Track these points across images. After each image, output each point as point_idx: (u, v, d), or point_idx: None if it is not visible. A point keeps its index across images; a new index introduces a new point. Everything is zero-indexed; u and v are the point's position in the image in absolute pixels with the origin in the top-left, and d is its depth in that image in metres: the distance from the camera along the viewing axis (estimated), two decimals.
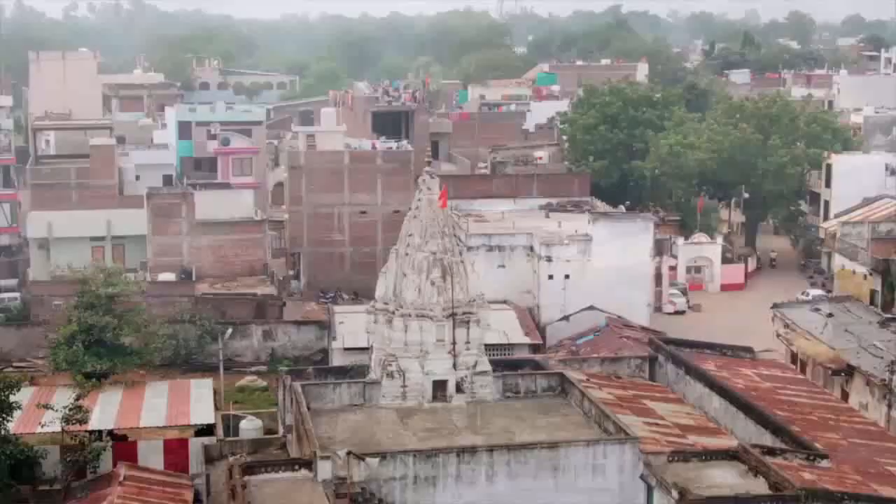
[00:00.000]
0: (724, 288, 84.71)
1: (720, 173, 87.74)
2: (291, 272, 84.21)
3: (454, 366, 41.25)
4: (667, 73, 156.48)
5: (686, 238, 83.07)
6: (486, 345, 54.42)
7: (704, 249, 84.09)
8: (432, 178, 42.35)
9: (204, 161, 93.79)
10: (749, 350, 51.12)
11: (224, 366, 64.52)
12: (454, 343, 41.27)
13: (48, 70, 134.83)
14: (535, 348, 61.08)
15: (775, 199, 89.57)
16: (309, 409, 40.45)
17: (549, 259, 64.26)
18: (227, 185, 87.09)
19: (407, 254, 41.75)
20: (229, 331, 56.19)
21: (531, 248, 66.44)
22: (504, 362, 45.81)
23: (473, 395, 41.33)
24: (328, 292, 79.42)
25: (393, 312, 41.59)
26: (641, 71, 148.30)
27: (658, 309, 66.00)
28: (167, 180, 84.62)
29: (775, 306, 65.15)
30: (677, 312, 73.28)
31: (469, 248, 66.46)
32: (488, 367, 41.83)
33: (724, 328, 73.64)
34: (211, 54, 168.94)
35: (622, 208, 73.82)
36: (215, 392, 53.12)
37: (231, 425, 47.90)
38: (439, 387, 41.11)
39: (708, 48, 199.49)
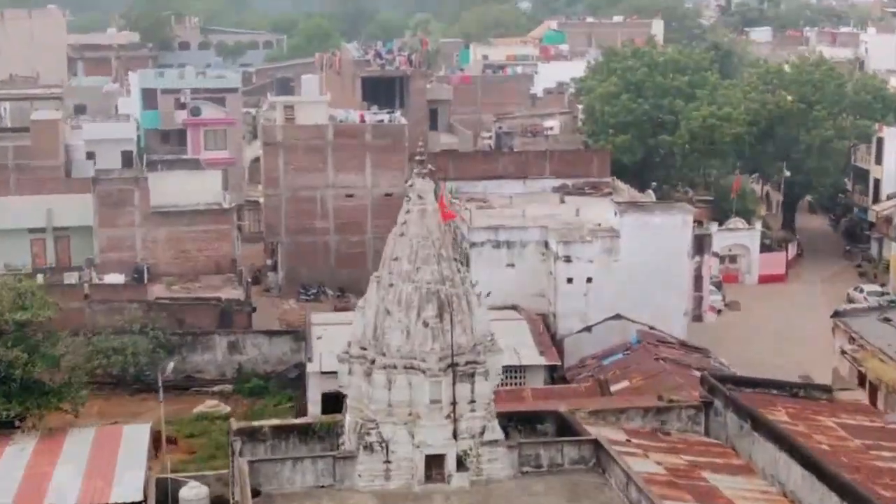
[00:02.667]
0: (763, 280, 74.34)
1: (758, 149, 76.98)
2: (269, 262, 73.81)
3: (454, 434, 30.85)
4: (682, 32, 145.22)
5: (720, 223, 72.39)
6: None
7: (741, 236, 73.61)
8: (424, 179, 31.70)
9: (172, 134, 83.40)
10: (826, 389, 40.66)
11: (181, 385, 54.56)
12: (454, 403, 30.84)
13: (14, 29, 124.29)
14: (551, 370, 50.82)
15: (819, 177, 78.88)
16: (259, 493, 30.21)
17: (567, 259, 53.70)
18: (196, 162, 76.42)
19: (392, 284, 31.21)
20: (171, 364, 45.54)
21: (546, 245, 55.89)
22: (516, 416, 35.35)
23: (480, 473, 30.97)
24: (310, 288, 69.23)
25: (373, 362, 31.13)
26: (657, 28, 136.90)
27: (697, 317, 55.53)
28: (127, 158, 73.92)
29: (836, 315, 54.71)
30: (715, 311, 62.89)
31: (472, 245, 56.08)
32: (499, 435, 31.43)
33: (770, 335, 63.58)
34: (195, 12, 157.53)
35: (651, 193, 63.14)
36: (158, 434, 42.92)
37: (170, 490, 37.61)
38: (434, 463, 30.74)
39: (724, 3, 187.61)
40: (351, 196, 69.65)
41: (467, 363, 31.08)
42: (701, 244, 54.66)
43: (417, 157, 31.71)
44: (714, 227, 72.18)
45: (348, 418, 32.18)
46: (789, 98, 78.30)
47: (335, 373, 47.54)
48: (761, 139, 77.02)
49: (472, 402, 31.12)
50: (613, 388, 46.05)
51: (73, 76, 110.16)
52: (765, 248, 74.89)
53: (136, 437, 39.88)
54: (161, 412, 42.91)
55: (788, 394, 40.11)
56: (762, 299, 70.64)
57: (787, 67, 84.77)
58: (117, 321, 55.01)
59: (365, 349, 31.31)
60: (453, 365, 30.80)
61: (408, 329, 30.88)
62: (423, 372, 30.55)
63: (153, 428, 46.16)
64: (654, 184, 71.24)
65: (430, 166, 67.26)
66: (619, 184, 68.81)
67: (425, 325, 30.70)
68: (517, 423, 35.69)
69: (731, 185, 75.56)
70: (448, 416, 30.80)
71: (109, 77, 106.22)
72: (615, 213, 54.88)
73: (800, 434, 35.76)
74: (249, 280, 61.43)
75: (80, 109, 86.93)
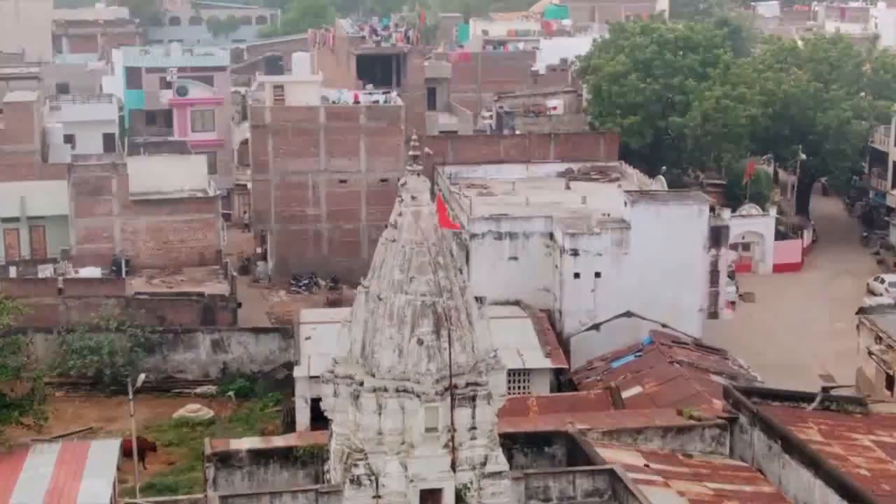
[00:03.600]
0: (777, 269, 70.70)
1: (772, 130, 73.19)
2: (259, 250, 70.20)
3: (453, 466, 27.27)
4: (688, 6, 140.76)
5: (733, 210, 68.61)
6: None
7: (755, 223, 69.88)
8: (419, 176, 28.02)
9: (158, 114, 79.62)
10: (860, 402, 37.10)
11: (162, 386, 51.10)
12: (453, 431, 27.26)
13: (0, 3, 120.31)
14: (558, 371, 47.31)
15: (836, 160, 75.13)
16: None
17: (574, 252, 50.07)
18: (183, 144, 72.76)
19: (382, 296, 27.57)
20: (142, 376, 41.93)
21: (551, 236, 52.27)
22: (519, 438, 31.87)
23: None
24: (301, 278, 65.69)
25: (361, 384, 27.53)
26: (662, 2, 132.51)
27: (713, 314, 51.91)
28: (108, 141, 70.27)
29: (862, 312, 51.16)
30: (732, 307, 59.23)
31: (473, 237, 52.48)
32: (504, 466, 27.83)
33: (787, 330, 60.09)
34: None
35: (662, 180, 59.39)
36: (130, 450, 39.48)
37: None
38: (431, 498, 27.19)
39: None
40: (344, 182, 66.03)
41: (468, 385, 27.47)
42: (717, 236, 50.99)
43: (412, 153, 27.99)
44: (726, 213, 68.54)
45: (333, 444, 28.63)
46: (805, 77, 74.47)
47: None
48: (775, 120, 73.19)
49: (473, 428, 27.53)
50: (625, 394, 42.61)
51: (57, 53, 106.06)
52: (779, 234, 71.25)
53: (103, 454, 36.27)
54: (133, 427, 39.36)
55: (820, 407, 36.66)
56: (777, 290, 67.07)
57: (800, 44, 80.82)
58: (93, 318, 51.55)
59: (352, 373, 27.68)
60: (452, 387, 27.19)
61: (400, 347, 27.27)
62: (418, 396, 26.94)
63: (130, 436, 42.88)
64: (663, 168, 67.42)
65: (427, 150, 63.95)
66: (628, 168, 65.21)
67: (420, 342, 27.08)
68: (523, 445, 32.32)
69: (743, 169, 71.79)
70: (446, 446, 27.22)
71: (95, 54, 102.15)
72: (625, 203, 51.21)
73: (835, 457, 32.35)
74: (235, 274, 57.74)
75: (62, 89, 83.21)
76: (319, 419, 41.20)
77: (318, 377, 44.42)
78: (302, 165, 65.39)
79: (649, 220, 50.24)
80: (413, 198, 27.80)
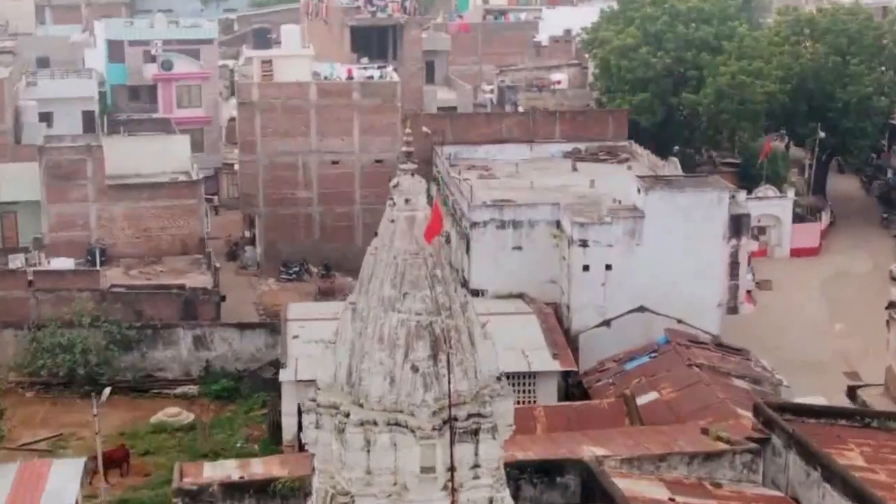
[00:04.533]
0: (795, 253, 67.04)
1: (789, 107, 69.28)
2: (247, 234, 66.52)
3: None
4: None
5: (749, 191, 64.74)
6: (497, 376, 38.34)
7: (771, 205, 66.11)
8: (413, 177, 24.25)
9: (142, 90, 75.63)
10: None
11: (140, 386, 47.61)
12: (452, 470, 23.61)
13: None
14: (566, 375, 43.77)
15: (856, 137, 71.28)
16: None
17: (583, 243, 46.38)
18: (167, 122, 68.90)
19: (371, 314, 23.88)
20: (107, 391, 38.36)
21: (558, 225, 48.58)
22: (528, 466, 28.28)
23: None
24: (291, 265, 62.09)
25: (347, 415, 23.88)
26: None
27: (732, 309, 48.25)
28: (88, 119, 66.37)
29: (892, 306, 47.64)
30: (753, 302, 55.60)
31: (474, 225, 48.81)
32: None
33: (807, 322, 56.58)
34: None
35: (676, 162, 55.56)
36: (112, 452, 36.15)
37: None
38: None
39: None
40: (337, 162, 62.24)
41: (469, 417, 23.80)
42: (737, 224, 47.27)
43: (405, 148, 24.21)
44: (742, 195, 64.81)
45: (316, 482, 24.98)
46: (823, 50, 70.50)
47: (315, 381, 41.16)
48: (792, 96, 69.27)
49: (476, 466, 23.86)
50: (640, 400, 39.04)
51: (41, 25, 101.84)
52: (796, 217, 67.52)
53: (65, 474, 32.77)
54: (98, 446, 35.78)
55: (859, 424, 33.11)
56: (795, 276, 63.47)
57: (817, 15, 76.76)
58: (65, 313, 47.95)
59: (337, 402, 24.02)
60: (451, 420, 23.53)
61: (392, 374, 23.60)
62: (413, 430, 23.30)
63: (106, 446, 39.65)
64: (675, 148, 63.60)
65: (425, 129, 60.14)
66: (638, 148, 61.42)
67: (414, 369, 23.42)
68: (532, 475, 28.76)
69: (759, 148, 67.90)
70: (445, 488, 23.58)
71: (80, 26, 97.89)
72: (639, 190, 47.46)
73: (881, 486, 28.80)
74: (218, 265, 53.92)
75: (42, 63, 79.06)
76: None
77: (308, 382, 41.52)
78: (292, 145, 61.61)
79: (664, 208, 46.55)
80: (407, 201, 24.05)
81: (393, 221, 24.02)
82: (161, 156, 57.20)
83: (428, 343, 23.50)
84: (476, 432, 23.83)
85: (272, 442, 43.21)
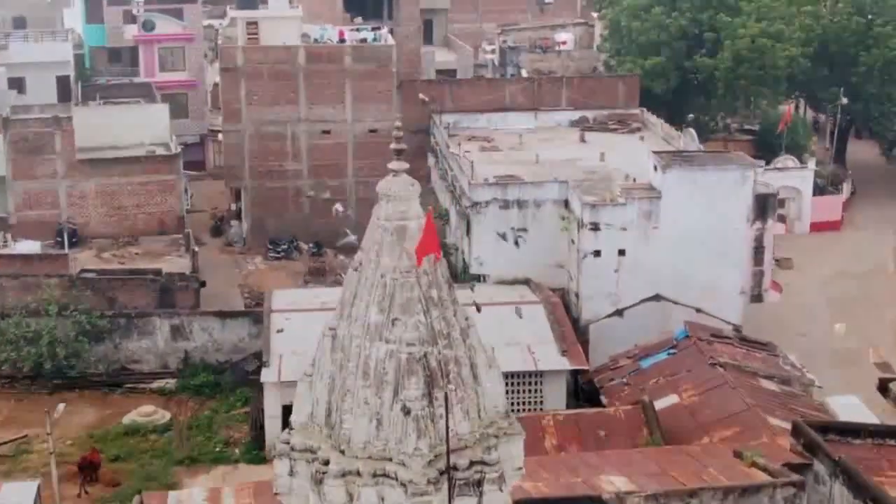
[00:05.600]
0: (815, 227, 63.08)
1: (811, 72, 65.06)
2: (233, 207, 62.55)
3: None
4: None
5: (767, 162, 60.78)
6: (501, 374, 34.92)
7: (791, 177, 62.06)
8: (404, 179, 20.28)
9: (123, 52, 71.38)
10: None
11: (113, 380, 43.90)
12: None
13: None
14: (575, 372, 40.00)
15: (880, 103, 67.11)
16: None
17: (595, 227, 42.47)
18: (148, 87, 64.75)
19: (353, 344, 20.00)
20: (61, 407, 34.60)
21: (566, 205, 44.64)
22: None
23: None
24: (280, 242, 58.14)
25: (326, 463, 20.05)
26: None
27: (756, 297, 44.40)
28: (63, 86, 62.14)
29: None
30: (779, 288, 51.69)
31: (474, 205, 44.86)
32: None
33: (832, 307, 52.80)
34: None
35: (693, 133, 51.44)
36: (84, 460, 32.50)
37: None
38: None
39: None
40: (328, 132, 58.10)
41: (472, 465, 19.95)
42: (763, 205, 43.35)
43: (395, 146, 20.20)
44: (760, 165, 60.88)
45: None
46: (846, 11, 66.21)
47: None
48: (813, 60, 65.05)
49: None
50: (658, 403, 35.38)
51: None
52: (816, 188, 63.53)
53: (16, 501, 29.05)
54: (53, 469, 32.01)
55: None
56: (817, 254, 59.54)
57: None
58: (31, 301, 44.09)
59: (314, 447, 20.21)
60: (450, 470, 19.73)
61: (378, 416, 19.76)
62: (403, 484, 19.48)
63: (78, 452, 36.12)
64: (690, 116, 59.45)
65: (422, 97, 55.96)
66: (650, 117, 57.46)
67: (406, 411, 19.57)
68: None
69: (779, 116, 63.69)
70: None
71: None
72: (655, 168, 43.45)
73: None
74: (196, 249, 49.89)
75: (18, 23, 74.78)
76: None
77: (292, 383, 37.79)
78: (279, 114, 57.44)
79: (684, 187, 42.62)
80: (397, 208, 20.11)
81: (381, 230, 20.11)
82: (138, 126, 53.15)
83: (422, 379, 19.62)
84: (479, 483, 20.00)
85: (254, 446, 39.56)
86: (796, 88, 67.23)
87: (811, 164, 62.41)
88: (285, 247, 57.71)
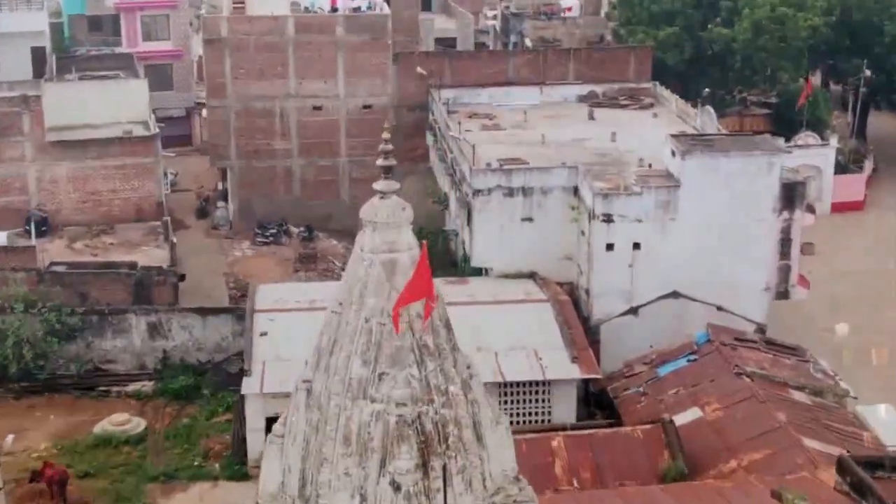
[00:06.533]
0: (836, 208, 59.49)
1: (832, 42, 61.26)
2: (220, 187, 59.03)
3: None
4: None
5: (787, 139, 57.09)
6: (504, 384, 32.30)
7: (812, 155, 58.41)
8: (394, 202, 16.74)
9: (104, 21, 67.53)
10: None
11: (86, 382, 40.63)
12: None
13: None
14: (587, 379, 36.63)
15: None
16: None
17: (607, 218, 38.91)
18: (129, 58, 61.01)
19: (330, 401, 16.56)
20: (8, 440, 31.22)
21: (575, 192, 41.09)
22: None
23: None
24: (269, 226, 54.69)
25: None
26: None
27: (782, 293, 40.92)
28: (38, 57, 58.38)
29: None
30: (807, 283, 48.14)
31: (476, 193, 41.32)
32: None
33: (859, 296, 49.29)
34: None
35: (711, 112, 47.76)
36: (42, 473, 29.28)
37: None
38: None
39: None
40: (319, 108, 54.45)
41: None
42: (791, 194, 39.80)
43: (382, 162, 16.67)
44: (779, 142, 57.24)
45: None
46: None
47: (287, 394, 34.38)
48: (835, 30, 61.24)
49: None
50: (679, 419, 32.12)
51: None
52: (837, 166, 59.90)
53: None
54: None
55: None
56: (839, 237, 56.01)
57: None
58: None
59: None
60: None
61: (363, 490, 16.39)
62: None
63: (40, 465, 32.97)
64: (705, 91, 55.71)
65: (420, 70, 52.16)
66: (663, 91, 53.83)
67: (396, 486, 16.22)
68: None
69: (797, 89, 59.93)
70: None
71: None
72: (673, 153, 39.84)
73: None
74: (174, 240, 46.28)
75: None
76: None
77: (276, 395, 34.47)
78: (267, 89, 53.77)
79: (705, 175, 39.00)
80: (385, 238, 16.62)
81: (366, 265, 16.62)
82: (115, 103, 49.42)
83: (414, 446, 16.25)
84: None
85: (236, 460, 36.22)
86: (818, 60, 63.39)
87: (833, 140, 58.74)
88: (274, 231, 54.26)
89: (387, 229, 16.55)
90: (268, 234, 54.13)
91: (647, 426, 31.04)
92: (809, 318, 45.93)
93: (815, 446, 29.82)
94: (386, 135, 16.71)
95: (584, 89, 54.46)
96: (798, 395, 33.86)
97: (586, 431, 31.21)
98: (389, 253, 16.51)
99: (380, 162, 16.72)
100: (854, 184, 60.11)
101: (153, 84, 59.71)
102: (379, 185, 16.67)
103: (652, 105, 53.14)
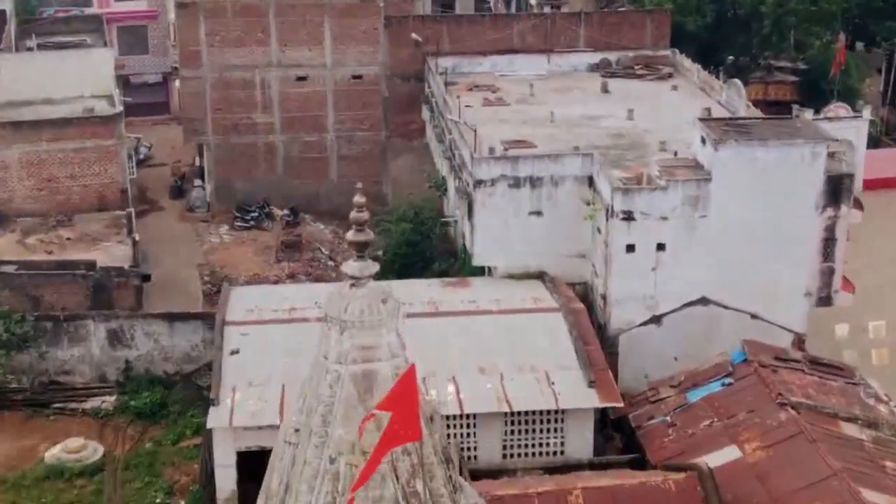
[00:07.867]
0: (870, 185, 54.37)
1: (866, 5, 56.16)
2: (198, 163, 54.22)
3: None
4: None
5: (816, 111, 52.07)
6: (512, 413, 27.96)
7: (843, 128, 53.13)
8: (373, 290, 11.97)
9: None
10: None
11: (39, 398, 36.18)
12: None
13: None
14: (605, 412, 31.97)
15: None
16: None
17: (628, 216, 34.09)
18: (97, 19, 56.01)
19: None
20: None
21: (590, 182, 36.27)
22: None
23: None
24: (249, 208, 49.97)
25: None
26: None
27: (825, 300, 36.17)
28: None
29: None
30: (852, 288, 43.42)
31: (479, 184, 36.49)
32: None
33: None
34: None
35: (739, 86, 42.84)
36: None
37: None
38: None
39: None
40: (303, 79, 49.55)
41: None
42: (836, 189, 35.12)
43: (354, 237, 11.92)
44: (807, 113, 52.25)
45: None
46: None
47: (257, 430, 30.15)
48: None
49: None
50: (713, 460, 27.64)
51: None
52: (870, 139, 54.85)
53: None
54: None
55: None
56: (873, 221, 50.86)
57: None
58: None
59: None
60: None
61: None
62: None
63: None
64: (729, 59, 50.65)
65: (415, 37, 47.00)
66: (683, 60, 48.92)
67: None
68: None
69: (828, 54, 54.88)
70: None
71: None
72: (703, 141, 34.94)
73: None
74: (137, 238, 41.25)
75: None
76: (250, 477, 27.45)
77: (248, 429, 29.99)
78: (246, 58, 48.91)
79: (740, 167, 34.13)
80: (359, 342, 11.91)
81: (331, 378, 11.94)
82: (77, 76, 44.49)
83: None
84: None
85: (203, 497, 31.69)
86: (850, 25, 58.31)
87: (866, 112, 53.56)
88: (255, 214, 49.55)
89: (361, 330, 11.86)
90: (248, 217, 49.40)
91: (680, 476, 26.46)
92: (844, 313, 41.21)
93: (875, 501, 25.40)
94: (359, 198, 11.92)
95: (596, 57, 49.69)
96: (850, 429, 29.30)
97: (609, 482, 26.59)
98: (364, 363, 11.82)
99: (350, 236, 11.96)
100: (889, 159, 55.06)
101: (127, 47, 54.80)
102: (350, 268, 11.93)
103: (671, 75, 48.29)
